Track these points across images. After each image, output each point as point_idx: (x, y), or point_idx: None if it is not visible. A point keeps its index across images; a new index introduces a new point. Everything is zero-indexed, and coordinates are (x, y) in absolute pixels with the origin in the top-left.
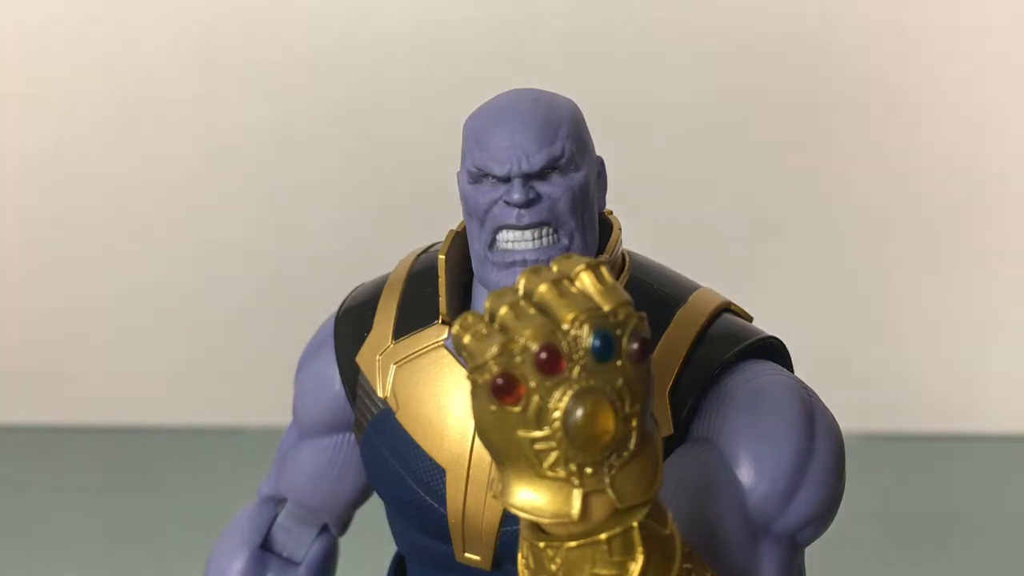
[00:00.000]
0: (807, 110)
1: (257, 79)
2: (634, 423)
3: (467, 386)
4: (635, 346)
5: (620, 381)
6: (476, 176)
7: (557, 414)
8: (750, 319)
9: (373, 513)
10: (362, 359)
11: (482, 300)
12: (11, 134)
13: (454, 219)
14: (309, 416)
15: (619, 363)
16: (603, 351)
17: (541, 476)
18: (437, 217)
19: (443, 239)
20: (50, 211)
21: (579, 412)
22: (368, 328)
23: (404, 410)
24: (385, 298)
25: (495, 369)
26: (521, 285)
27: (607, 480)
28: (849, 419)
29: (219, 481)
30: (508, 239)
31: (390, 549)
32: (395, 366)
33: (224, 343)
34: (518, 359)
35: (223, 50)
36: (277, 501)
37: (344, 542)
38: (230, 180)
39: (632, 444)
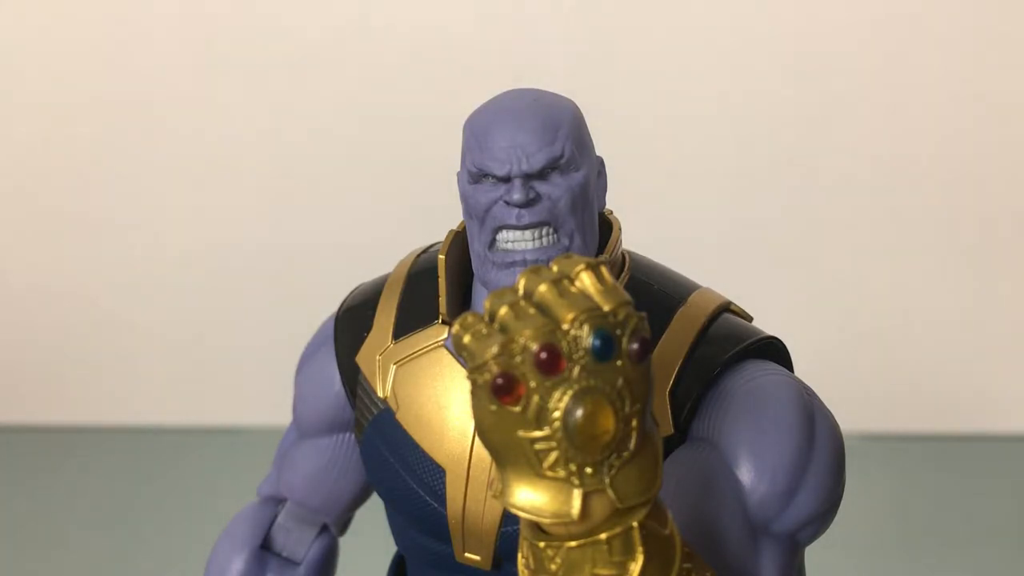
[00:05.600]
0: (808, 110)
1: (258, 81)
2: (634, 423)
3: (467, 386)
4: (635, 346)
5: (620, 381)
6: (476, 176)
7: (557, 414)
8: (750, 319)
9: (373, 513)
10: (362, 359)
11: (482, 300)
12: (14, 134)
13: (454, 219)
14: (309, 416)
15: (619, 363)
16: (603, 351)
17: (541, 476)
18: (437, 217)
19: (443, 239)
20: (50, 211)
21: (579, 412)
22: (368, 328)
23: (404, 410)
24: (385, 298)
25: (495, 369)
26: (521, 285)
27: (607, 480)
28: (849, 419)
29: (219, 481)
30: (508, 239)
31: (390, 549)
32: (395, 366)
33: (224, 343)
34: (518, 359)
35: (227, 51)
36: (277, 501)
37: (344, 542)
38: (230, 181)
39: (632, 444)
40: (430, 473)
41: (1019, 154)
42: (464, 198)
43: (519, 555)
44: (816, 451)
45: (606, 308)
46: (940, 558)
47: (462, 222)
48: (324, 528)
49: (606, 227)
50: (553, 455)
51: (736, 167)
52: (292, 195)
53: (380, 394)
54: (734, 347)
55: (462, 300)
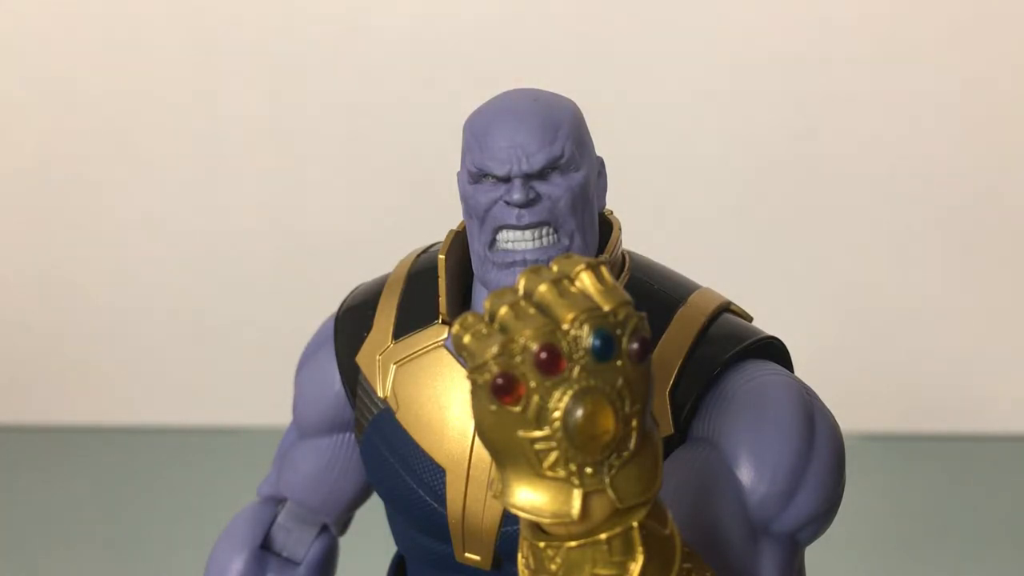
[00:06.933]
0: (809, 110)
1: (258, 80)
2: (634, 423)
3: (467, 386)
4: (635, 346)
5: (620, 381)
6: (476, 176)
7: (557, 414)
8: (750, 319)
9: (373, 513)
10: (362, 359)
11: (482, 300)
12: (14, 133)
13: (454, 219)
14: (309, 416)
15: (619, 363)
16: (603, 351)
17: (541, 476)
18: (437, 217)
19: (443, 239)
20: (50, 210)
21: (579, 412)
22: (368, 328)
23: (404, 410)
24: (385, 298)
25: (495, 369)
26: (521, 285)
27: (607, 480)
28: (849, 419)
29: (219, 481)
30: (508, 239)
31: (390, 549)
32: (395, 366)
33: (224, 343)
34: (518, 359)
35: (228, 48)
36: (277, 501)
37: (344, 542)
38: (231, 181)
39: (632, 444)
40: (430, 473)
41: (1020, 154)
42: (464, 198)
43: (519, 555)
44: (816, 451)
45: (606, 308)
46: (940, 558)
47: (462, 222)
48: (324, 528)
49: (606, 227)
50: (553, 455)
51: (736, 166)
52: (292, 195)
53: (380, 394)
54: (734, 347)
55: (462, 300)
